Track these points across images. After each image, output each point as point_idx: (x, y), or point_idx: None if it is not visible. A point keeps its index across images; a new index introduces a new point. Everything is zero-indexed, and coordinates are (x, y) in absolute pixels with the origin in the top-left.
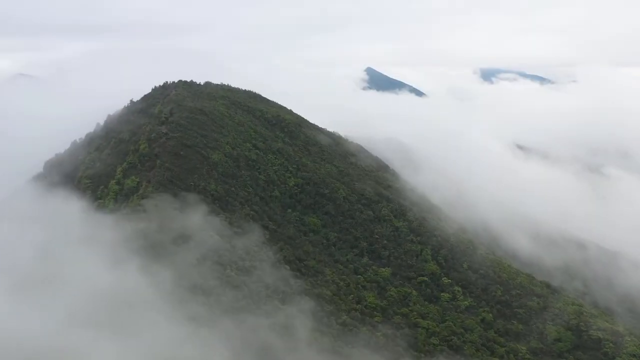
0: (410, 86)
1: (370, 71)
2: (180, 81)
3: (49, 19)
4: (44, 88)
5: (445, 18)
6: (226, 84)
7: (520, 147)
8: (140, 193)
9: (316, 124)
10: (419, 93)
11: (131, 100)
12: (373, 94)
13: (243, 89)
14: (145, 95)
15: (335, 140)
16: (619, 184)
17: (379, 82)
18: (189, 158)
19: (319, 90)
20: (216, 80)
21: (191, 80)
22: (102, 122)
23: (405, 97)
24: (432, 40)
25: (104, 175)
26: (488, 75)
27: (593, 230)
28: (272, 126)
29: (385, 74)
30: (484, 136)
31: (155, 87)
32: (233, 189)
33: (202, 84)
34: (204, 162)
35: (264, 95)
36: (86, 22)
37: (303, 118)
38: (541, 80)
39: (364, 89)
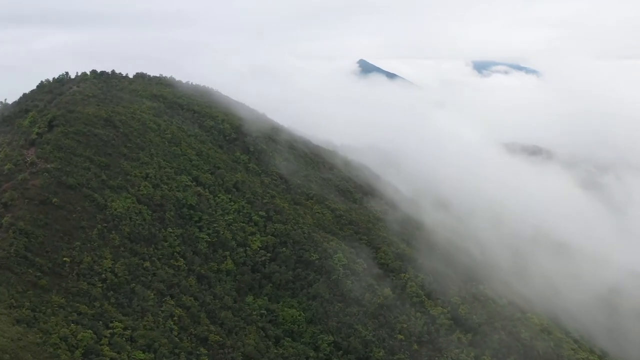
0: (402, 78)
1: (363, 63)
2: (93, 71)
3: (34, 7)
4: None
5: (438, 9)
6: (168, 77)
7: (514, 145)
8: None
9: (301, 133)
10: (411, 85)
11: (2, 102)
12: (365, 87)
13: (195, 83)
14: (24, 95)
15: (328, 162)
16: (624, 185)
17: (371, 74)
18: (69, 209)
19: (309, 84)
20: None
21: (112, 71)
22: None
23: (398, 89)
24: (425, 32)
25: None
26: (481, 67)
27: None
28: (230, 143)
29: (378, 66)
30: (479, 136)
31: (43, 81)
32: (148, 264)
33: (129, 76)
34: (95, 215)
35: (242, 95)
36: (73, 11)
37: (280, 126)
38: (536, 73)
39: (355, 81)
